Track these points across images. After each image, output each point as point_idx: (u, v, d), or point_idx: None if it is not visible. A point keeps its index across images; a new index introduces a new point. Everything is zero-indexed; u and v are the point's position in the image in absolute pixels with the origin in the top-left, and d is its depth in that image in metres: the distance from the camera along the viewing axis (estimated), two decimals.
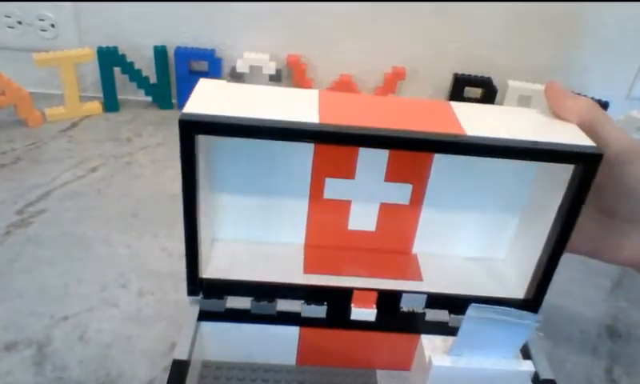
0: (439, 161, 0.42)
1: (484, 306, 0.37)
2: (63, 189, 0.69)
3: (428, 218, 0.45)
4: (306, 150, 0.42)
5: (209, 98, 0.37)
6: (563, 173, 0.38)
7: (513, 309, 0.38)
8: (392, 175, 0.43)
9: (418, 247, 0.47)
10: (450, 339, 0.43)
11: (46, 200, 0.67)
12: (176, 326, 0.50)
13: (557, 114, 0.40)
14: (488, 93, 0.92)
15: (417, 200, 0.44)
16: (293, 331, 0.44)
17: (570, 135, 0.37)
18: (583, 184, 0.37)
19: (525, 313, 0.38)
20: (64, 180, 0.71)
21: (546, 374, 0.40)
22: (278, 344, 0.45)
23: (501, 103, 0.92)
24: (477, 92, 0.92)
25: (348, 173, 0.43)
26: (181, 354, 0.38)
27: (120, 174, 0.73)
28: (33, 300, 0.53)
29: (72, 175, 0.72)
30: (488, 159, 0.38)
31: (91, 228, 0.63)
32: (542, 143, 0.36)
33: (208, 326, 0.43)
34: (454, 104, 0.40)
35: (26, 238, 0.60)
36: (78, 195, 0.68)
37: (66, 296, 0.54)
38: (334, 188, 0.43)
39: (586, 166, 0.36)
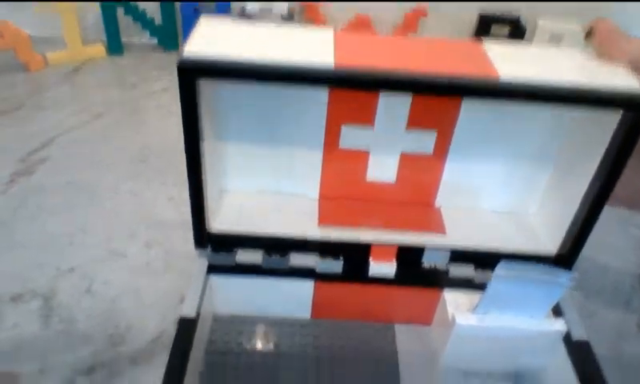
0: (468, 106, 0.38)
1: (515, 263, 0.35)
2: (67, 135, 0.66)
3: (453, 169, 0.41)
4: (321, 95, 0.38)
5: (211, 38, 0.33)
6: (608, 120, 0.34)
7: (546, 266, 0.35)
8: (415, 122, 0.39)
9: (442, 200, 0.43)
10: (474, 296, 0.40)
11: (50, 147, 0.64)
12: (186, 278, 0.48)
13: (605, 55, 0.36)
14: (516, 32, 0.86)
15: (441, 149, 0.40)
16: (307, 285, 0.42)
17: (619, 78, 0.33)
18: (633, 132, 0.33)
19: (559, 270, 0.35)
20: (68, 126, 0.68)
21: (579, 335, 0.38)
22: (292, 298, 0.43)
23: (530, 43, 0.86)
24: (504, 31, 0.86)
25: (366, 120, 0.39)
26: (188, 312, 0.36)
27: (125, 120, 0.70)
28: (37, 251, 0.51)
29: (76, 121, 0.69)
30: (522, 105, 0.34)
31: (96, 176, 0.60)
32: (587, 87, 0.32)
33: (218, 280, 0.41)
34: (486, 43, 0.36)
35: (29, 186, 0.58)
36: (82, 142, 0.66)
37: (71, 247, 0.52)
38: (350, 136, 0.40)
39: (637, 112, 0.32)
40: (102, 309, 0.46)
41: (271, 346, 0.42)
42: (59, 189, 0.58)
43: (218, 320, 0.43)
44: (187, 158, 0.35)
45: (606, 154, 0.35)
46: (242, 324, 0.43)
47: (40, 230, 0.53)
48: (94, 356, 0.43)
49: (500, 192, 0.43)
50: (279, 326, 0.44)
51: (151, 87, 0.78)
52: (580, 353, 0.37)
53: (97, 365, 0.43)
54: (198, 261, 0.40)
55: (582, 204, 0.37)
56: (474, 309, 0.38)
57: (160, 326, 0.45)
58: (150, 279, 0.49)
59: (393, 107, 0.38)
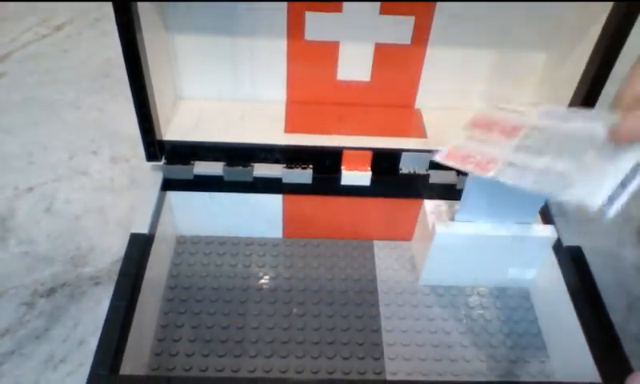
0: None
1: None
2: (25, 50, 0.61)
3: (434, 62, 0.37)
4: None
5: None
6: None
7: None
8: (390, 5, 0.34)
9: (422, 100, 0.39)
10: (457, 204, 0.37)
11: (6, 63, 0.59)
12: None
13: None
14: None
15: (421, 38, 0.35)
16: (275, 200, 0.38)
17: None
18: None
19: None
20: (25, 40, 0.63)
21: (570, 240, 0.34)
22: (260, 215, 0.39)
23: None
24: None
25: (333, 4, 0.34)
26: (140, 227, 0.33)
27: (88, 31, 0.64)
28: None
29: (34, 34, 0.63)
30: None
31: (57, 91, 0.56)
32: None
33: (176, 197, 0.38)
34: None
35: None
36: (41, 56, 0.60)
37: (31, 165, 0.48)
38: (317, 25, 0.35)
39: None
40: (63, 229, 0.44)
41: (240, 267, 0.39)
42: (17, 105, 0.54)
43: (181, 242, 0.40)
44: (123, 49, 0.30)
45: (600, 36, 0.30)
46: (209, 245, 0.40)
47: None
48: (54, 278, 0.41)
49: (487, 88, 0.39)
50: (248, 246, 0.41)
51: None
52: (571, 260, 0.33)
53: (57, 286, 0.40)
54: (151, 175, 0.36)
55: (577, 94, 0.32)
56: (455, 215, 0.35)
57: (124, 245, 0.42)
58: (115, 196, 0.46)
59: None
